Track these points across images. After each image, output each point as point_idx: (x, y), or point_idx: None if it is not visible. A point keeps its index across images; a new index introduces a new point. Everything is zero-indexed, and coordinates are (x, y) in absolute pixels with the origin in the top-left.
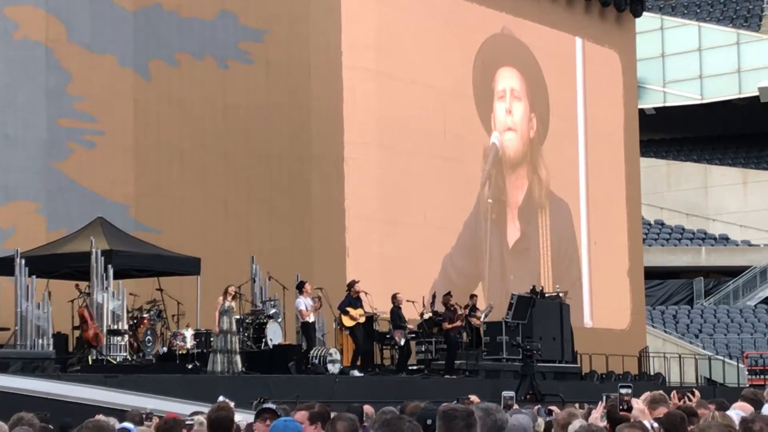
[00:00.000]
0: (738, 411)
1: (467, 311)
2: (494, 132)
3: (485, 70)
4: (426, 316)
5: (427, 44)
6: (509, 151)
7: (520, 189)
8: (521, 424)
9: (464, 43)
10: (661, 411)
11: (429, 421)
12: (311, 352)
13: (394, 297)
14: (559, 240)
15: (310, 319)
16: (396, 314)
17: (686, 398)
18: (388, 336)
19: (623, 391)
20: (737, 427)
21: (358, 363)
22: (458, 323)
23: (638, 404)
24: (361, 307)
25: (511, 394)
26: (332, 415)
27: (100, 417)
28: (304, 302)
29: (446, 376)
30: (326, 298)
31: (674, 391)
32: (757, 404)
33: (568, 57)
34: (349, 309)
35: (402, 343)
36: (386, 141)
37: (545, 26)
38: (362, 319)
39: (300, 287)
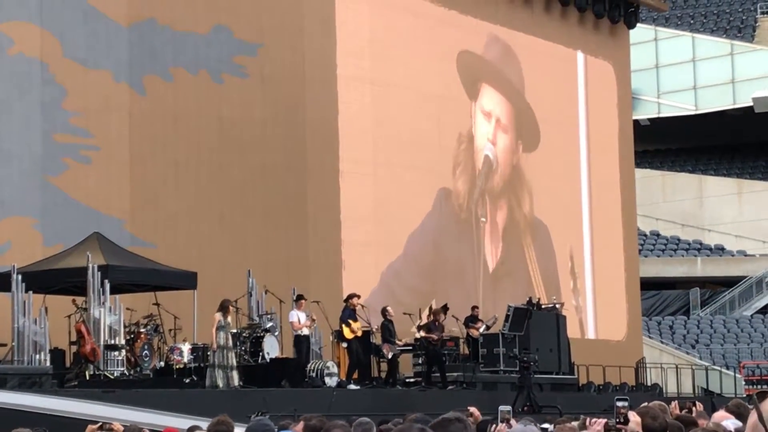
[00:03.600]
0: (734, 421)
1: (461, 323)
2: (488, 144)
3: (472, 83)
4: (417, 332)
5: (422, 56)
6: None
7: (502, 209)
8: None
9: (456, 53)
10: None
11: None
12: (309, 366)
13: (384, 310)
14: (545, 266)
15: (303, 332)
16: (386, 328)
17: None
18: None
19: (620, 404)
20: None
21: (354, 377)
22: (434, 336)
23: (635, 417)
24: (357, 320)
25: (508, 408)
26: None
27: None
28: (297, 314)
29: (449, 388)
30: (323, 311)
31: (674, 402)
32: (741, 417)
33: (563, 69)
34: (350, 321)
35: (390, 356)
36: (381, 153)
37: (539, 38)
38: (359, 333)
39: (297, 300)
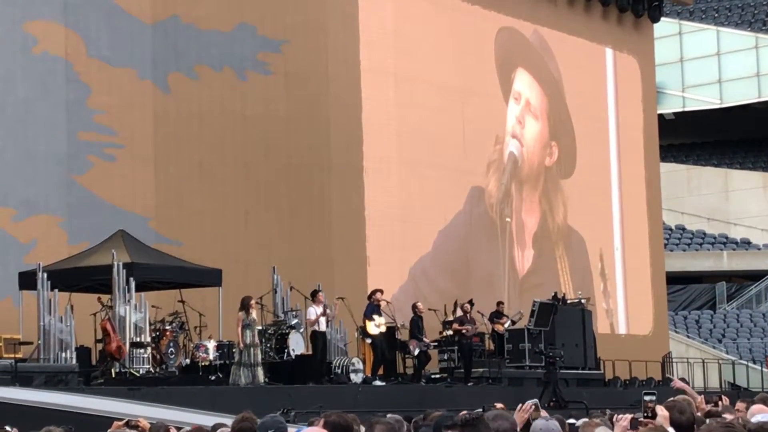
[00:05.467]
0: (765, 415)
1: (486, 320)
2: (512, 140)
3: (504, 66)
4: (446, 329)
5: (445, 50)
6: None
7: (532, 214)
8: (549, 429)
9: (484, 47)
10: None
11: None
12: (334, 362)
13: (414, 306)
14: (580, 279)
15: (319, 328)
16: (414, 323)
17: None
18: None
19: (647, 398)
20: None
21: (379, 373)
22: (466, 328)
23: (662, 411)
24: (381, 316)
25: (535, 401)
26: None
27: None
28: (314, 311)
29: (469, 384)
30: (348, 307)
31: (701, 396)
32: None
33: (590, 65)
34: (374, 316)
35: (416, 352)
36: (406, 149)
37: (563, 33)
38: (383, 328)
39: (312, 295)
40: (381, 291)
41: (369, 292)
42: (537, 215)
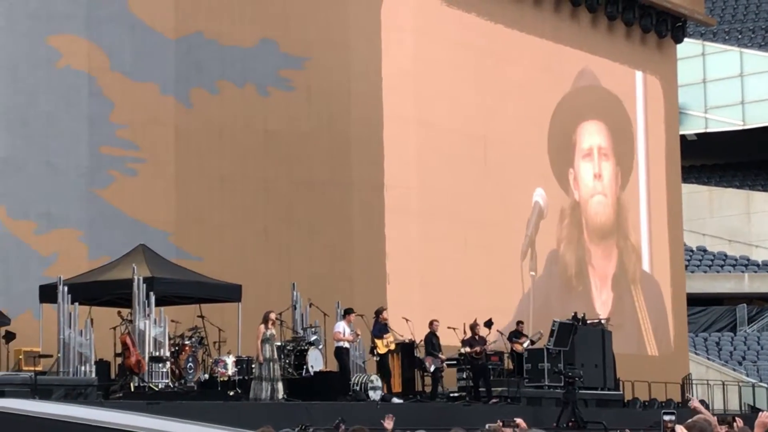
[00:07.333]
0: None
1: (506, 338)
2: (538, 189)
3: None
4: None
5: (465, 70)
6: (599, 217)
7: (608, 259)
8: None
9: (507, 66)
10: None
11: None
12: (353, 379)
13: (430, 324)
14: (656, 318)
15: (344, 345)
16: (428, 341)
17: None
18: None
19: (667, 417)
20: None
21: (394, 391)
22: (476, 349)
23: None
24: (388, 333)
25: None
26: None
27: None
28: (343, 326)
29: (491, 402)
30: (367, 324)
31: (715, 418)
32: None
33: (617, 87)
34: (383, 335)
35: (431, 370)
36: (427, 168)
37: (585, 52)
38: (392, 347)
39: (346, 313)
40: (385, 309)
41: (375, 311)
42: (614, 257)
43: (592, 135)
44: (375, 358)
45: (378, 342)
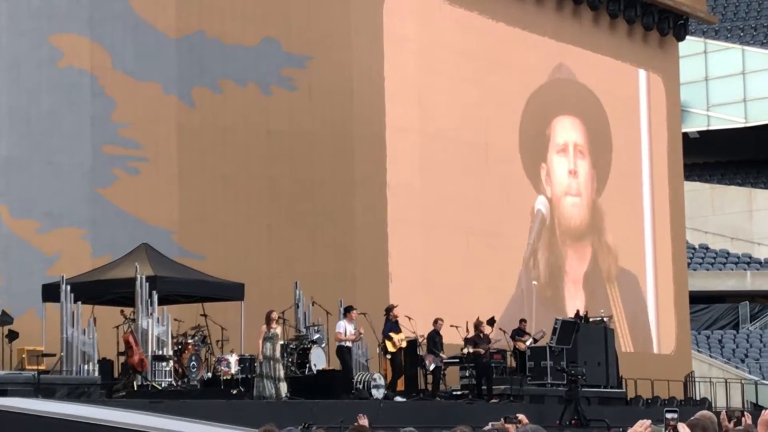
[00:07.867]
0: None
1: (509, 337)
2: (539, 196)
3: (539, 116)
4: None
5: (469, 69)
6: (573, 219)
7: (582, 260)
8: None
9: (510, 75)
10: None
11: None
12: (355, 377)
13: (435, 322)
14: (633, 314)
15: (345, 343)
16: (431, 339)
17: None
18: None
19: (669, 415)
20: None
21: (398, 389)
22: (481, 350)
23: (684, 429)
24: (400, 331)
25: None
26: None
27: None
28: (345, 325)
29: (492, 401)
30: (370, 323)
31: (723, 413)
32: None
33: (620, 85)
34: (392, 334)
35: (431, 368)
36: (429, 166)
37: (588, 51)
38: (403, 344)
39: (346, 311)
40: (395, 306)
41: (385, 309)
42: (588, 258)
43: (567, 130)
44: (387, 357)
45: (387, 343)
